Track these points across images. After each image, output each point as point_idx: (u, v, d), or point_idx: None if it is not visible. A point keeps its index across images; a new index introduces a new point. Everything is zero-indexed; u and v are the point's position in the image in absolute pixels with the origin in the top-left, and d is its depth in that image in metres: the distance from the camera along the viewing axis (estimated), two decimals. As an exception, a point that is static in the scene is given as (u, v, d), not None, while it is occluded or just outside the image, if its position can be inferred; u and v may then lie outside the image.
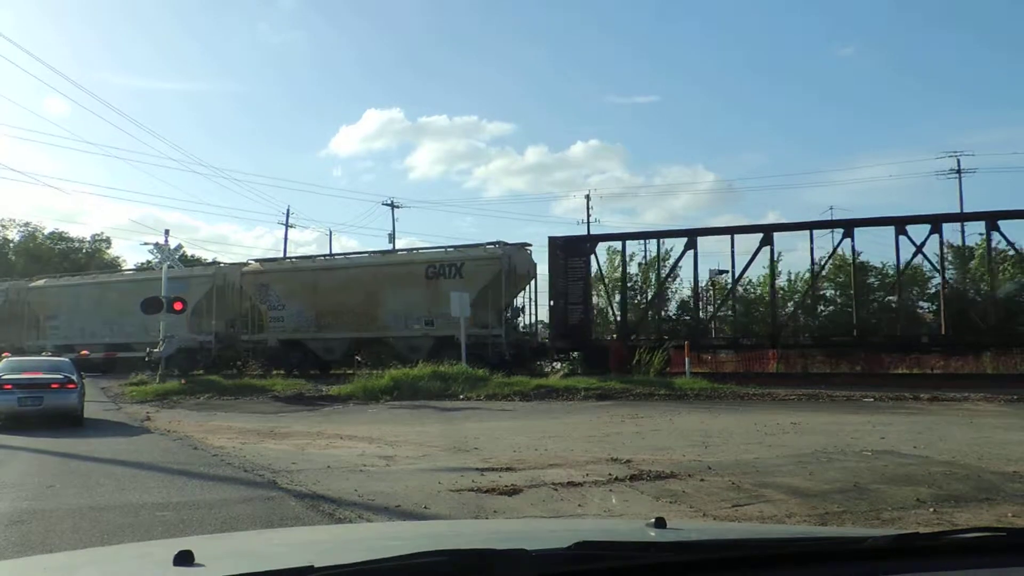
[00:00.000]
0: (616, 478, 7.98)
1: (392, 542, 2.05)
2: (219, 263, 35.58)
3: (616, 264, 28.56)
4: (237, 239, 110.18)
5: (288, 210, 55.70)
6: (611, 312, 27.65)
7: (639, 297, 29.45)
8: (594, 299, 28.36)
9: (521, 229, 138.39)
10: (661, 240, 26.42)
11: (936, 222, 22.59)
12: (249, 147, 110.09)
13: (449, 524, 4.77)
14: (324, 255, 35.54)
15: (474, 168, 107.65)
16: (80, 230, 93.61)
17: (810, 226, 24.61)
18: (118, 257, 60.08)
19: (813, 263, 24.76)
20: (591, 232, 43.81)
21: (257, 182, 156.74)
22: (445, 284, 25.64)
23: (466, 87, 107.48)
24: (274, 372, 27.65)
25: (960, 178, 44.67)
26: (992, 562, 1.57)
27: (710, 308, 28.49)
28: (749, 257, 24.53)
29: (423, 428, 13.49)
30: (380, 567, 1.39)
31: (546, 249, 26.03)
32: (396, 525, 4.91)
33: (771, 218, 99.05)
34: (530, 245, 27.47)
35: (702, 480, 7.87)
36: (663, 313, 28.17)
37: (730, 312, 28.30)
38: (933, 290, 27.23)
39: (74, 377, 15.26)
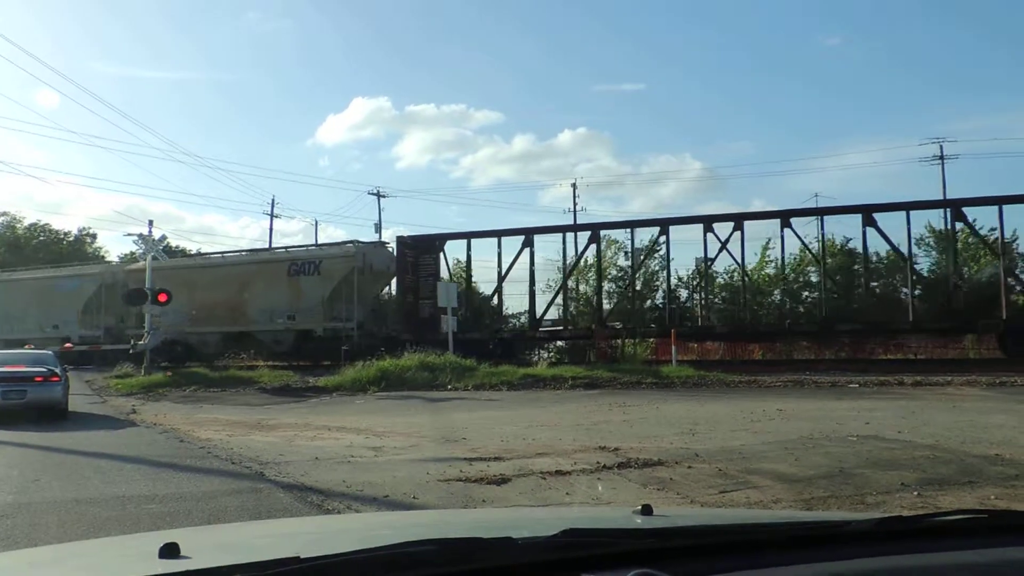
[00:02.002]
0: (604, 466, 8.02)
1: (380, 532, 2.05)
2: (108, 262, 36.53)
3: (611, 255, 28.84)
4: (224, 230, 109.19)
5: (273, 200, 55.44)
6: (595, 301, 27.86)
7: (614, 286, 29.77)
8: (582, 288, 28.55)
9: (508, 217, 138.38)
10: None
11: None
12: (236, 137, 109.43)
13: (437, 514, 4.77)
14: (204, 254, 37.89)
15: (461, 157, 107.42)
16: (64, 221, 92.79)
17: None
18: (101, 248, 59.59)
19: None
20: (577, 221, 44.17)
21: (243, 172, 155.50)
22: (305, 281, 27.67)
23: (454, 76, 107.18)
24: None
25: (943, 164, 45.04)
26: (975, 544, 1.59)
27: (695, 296, 28.67)
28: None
29: (411, 419, 13.48)
30: (368, 557, 1.38)
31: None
32: (384, 515, 4.91)
33: (756, 205, 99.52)
34: (388, 243, 29.47)
35: (689, 467, 7.92)
36: (643, 303, 28.34)
37: (703, 300, 28.58)
38: (914, 277, 27.51)
39: (57, 370, 15.13)
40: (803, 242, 25.40)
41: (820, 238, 25.14)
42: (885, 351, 25.91)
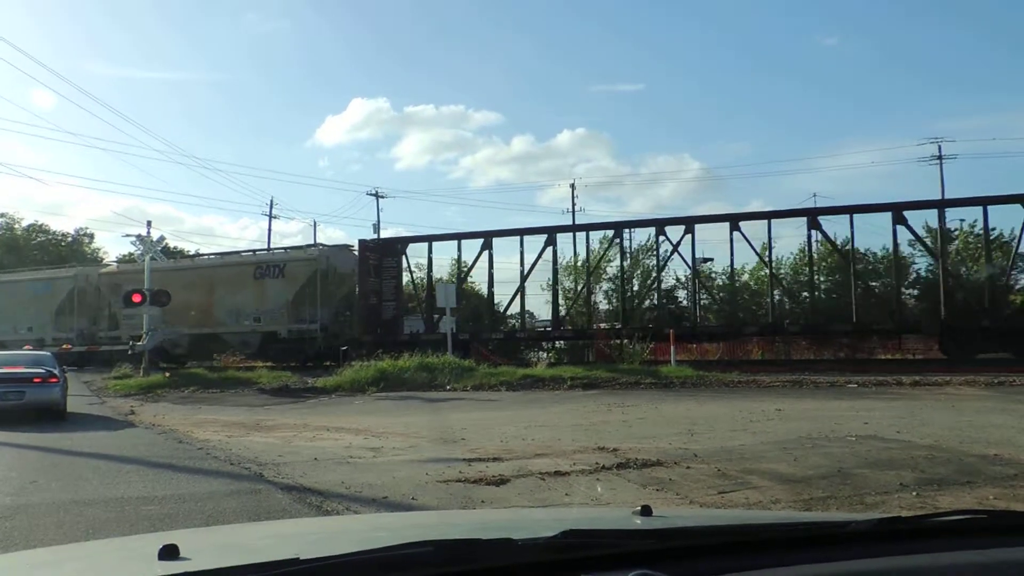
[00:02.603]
0: (603, 467, 8.02)
1: (379, 533, 2.05)
2: (77, 265, 37.26)
3: (609, 255, 28.93)
4: (223, 231, 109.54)
5: (271, 201, 55.58)
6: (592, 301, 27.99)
7: (610, 285, 29.96)
8: (579, 288, 28.64)
9: (506, 218, 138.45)
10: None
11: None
12: (234, 138, 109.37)
13: (437, 515, 4.77)
14: (175, 257, 39.17)
15: (460, 158, 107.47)
16: (63, 222, 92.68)
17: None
18: (99, 249, 59.54)
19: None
20: (576, 222, 44.23)
21: (242, 173, 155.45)
22: (270, 284, 28.58)
23: (453, 77, 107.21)
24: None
25: (941, 164, 45.10)
26: (974, 544, 1.59)
27: (702, 297, 28.84)
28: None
29: (410, 419, 13.47)
30: (367, 558, 1.38)
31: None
32: (383, 517, 4.90)
33: (754, 206, 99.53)
34: (352, 247, 29.69)
35: (688, 468, 7.91)
36: (641, 303, 28.47)
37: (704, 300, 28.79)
38: (912, 276, 27.80)
39: (56, 371, 15.10)
40: (751, 245, 25.78)
41: (769, 242, 25.94)
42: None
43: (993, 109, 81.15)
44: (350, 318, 28.71)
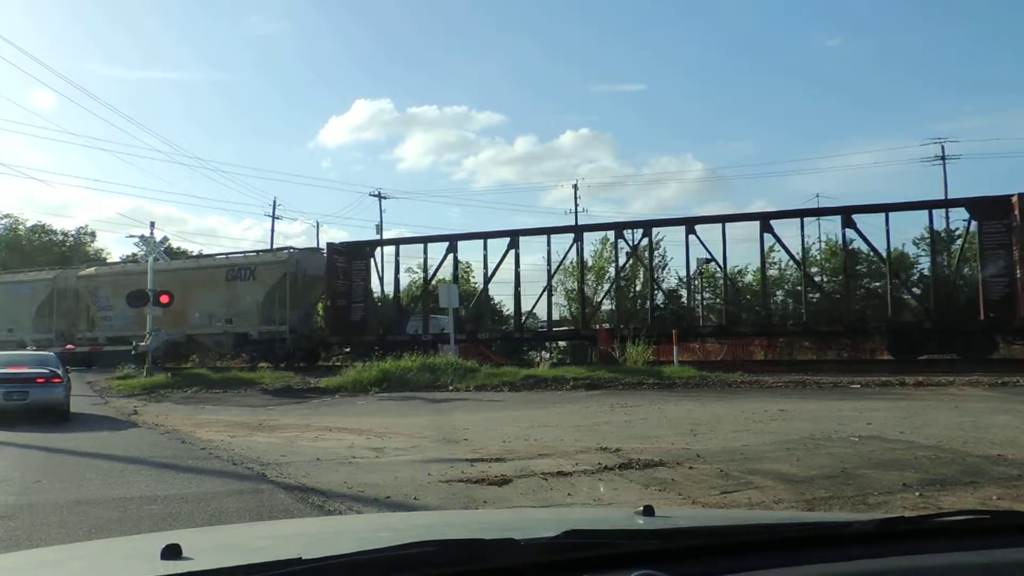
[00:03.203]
0: (605, 467, 8.01)
1: (382, 533, 2.05)
2: (59, 268, 38.23)
3: (608, 255, 28.95)
4: (226, 231, 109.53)
5: (274, 202, 55.50)
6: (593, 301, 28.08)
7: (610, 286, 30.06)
8: (585, 289, 28.70)
9: (509, 218, 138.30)
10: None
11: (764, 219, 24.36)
12: (238, 139, 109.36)
13: (439, 515, 4.77)
14: (180, 257, 39.84)
15: (463, 159, 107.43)
16: (68, 223, 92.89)
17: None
18: (102, 250, 59.69)
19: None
20: (578, 222, 44.22)
21: (246, 174, 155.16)
22: (241, 286, 29.33)
23: (455, 78, 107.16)
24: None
25: (944, 164, 45.03)
26: (977, 544, 1.59)
27: (697, 296, 28.89)
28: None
29: (412, 420, 13.48)
30: (369, 558, 1.38)
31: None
32: (386, 516, 4.90)
33: (758, 206, 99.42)
34: (322, 250, 30.41)
35: (691, 468, 7.91)
36: (643, 303, 28.56)
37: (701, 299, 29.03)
38: (916, 275, 27.97)
39: (60, 371, 15.12)
40: (703, 249, 26.07)
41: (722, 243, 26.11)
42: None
43: (997, 109, 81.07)
44: (321, 320, 29.37)
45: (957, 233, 26.75)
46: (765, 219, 24.47)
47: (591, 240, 30.24)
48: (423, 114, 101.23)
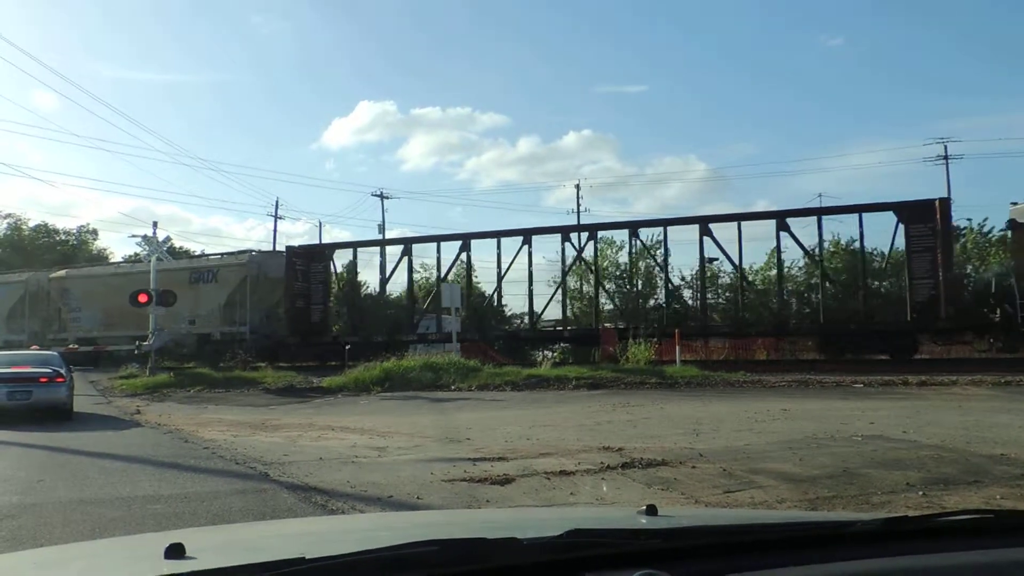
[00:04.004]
0: (608, 466, 8.01)
1: (384, 533, 2.05)
2: (32, 271, 38.90)
3: (609, 254, 28.97)
4: (229, 231, 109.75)
5: (277, 202, 55.60)
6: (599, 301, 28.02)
7: (613, 286, 30.18)
8: (585, 288, 28.72)
9: (512, 219, 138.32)
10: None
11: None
12: (241, 140, 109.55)
13: (442, 514, 4.77)
14: (119, 262, 41.75)
15: (466, 160, 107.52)
16: (72, 223, 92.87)
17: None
18: (105, 249, 59.79)
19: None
20: (580, 222, 44.29)
21: (249, 174, 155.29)
22: (204, 288, 30.26)
23: (458, 80, 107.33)
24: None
25: (947, 164, 45.00)
26: (981, 544, 1.59)
27: (708, 296, 28.98)
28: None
29: (415, 419, 13.48)
30: (372, 558, 1.38)
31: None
32: (388, 516, 4.90)
33: (760, 206, 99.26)
34: (282, 253, 31.13)
35: (693, 467, 7.90)
36: (645, 303, 28.66)
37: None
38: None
39: (63, 371, 15.15)
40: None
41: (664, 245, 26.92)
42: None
43: (999, 110, 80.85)
44: (280, 320, 29.94)
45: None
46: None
47: (547, 242, 30.88)
48: (426, 115, 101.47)
